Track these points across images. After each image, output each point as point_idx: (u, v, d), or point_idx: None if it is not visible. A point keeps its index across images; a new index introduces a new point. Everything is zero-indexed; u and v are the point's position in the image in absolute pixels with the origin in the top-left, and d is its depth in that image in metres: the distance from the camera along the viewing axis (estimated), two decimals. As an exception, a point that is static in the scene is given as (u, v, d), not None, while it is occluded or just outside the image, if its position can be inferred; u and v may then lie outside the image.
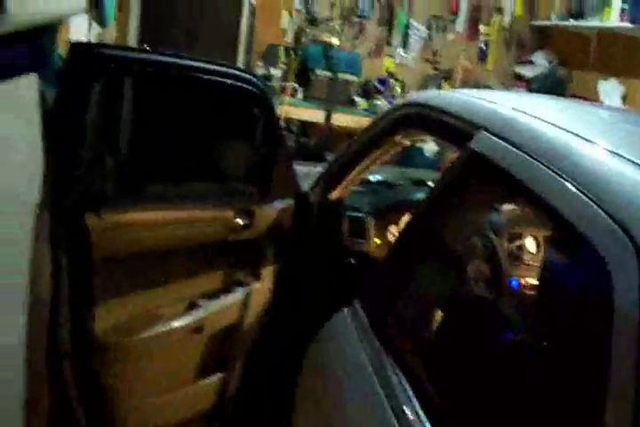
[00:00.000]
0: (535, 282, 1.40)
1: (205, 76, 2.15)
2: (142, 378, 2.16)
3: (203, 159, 2.28)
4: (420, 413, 1.25)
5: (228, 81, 2.20)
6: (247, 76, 2.29)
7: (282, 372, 2.42)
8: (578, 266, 1.10)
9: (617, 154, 1.15)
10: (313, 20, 6.22)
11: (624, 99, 5.63)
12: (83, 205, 1.90)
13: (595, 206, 1.02)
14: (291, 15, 6.18)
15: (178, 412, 2.33)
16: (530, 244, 1.40)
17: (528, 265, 1.54)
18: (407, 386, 1.33)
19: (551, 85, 6.27)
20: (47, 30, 2.45)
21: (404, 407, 1.28)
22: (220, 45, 5.94)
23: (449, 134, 1.77)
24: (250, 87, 2.25)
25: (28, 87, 1.94)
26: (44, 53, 2.48)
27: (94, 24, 3.98)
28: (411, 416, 1.25)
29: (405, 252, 1.64)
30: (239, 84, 2.22)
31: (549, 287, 1.22)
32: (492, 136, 1.45)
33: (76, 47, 1.92)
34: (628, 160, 1.11)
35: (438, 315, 1.50)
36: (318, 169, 2.77)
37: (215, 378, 2.39)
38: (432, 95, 2.22)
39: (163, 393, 2.24)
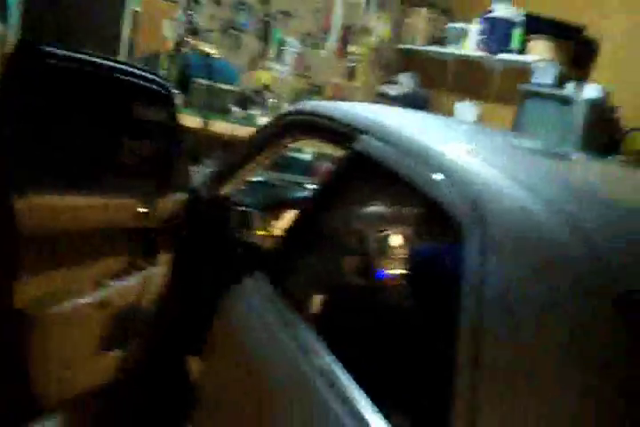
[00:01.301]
0: (406, 250, 1.74)
1: (121, 76, 2.39)
2: (54, 349, 2.35)
3: (113, 152, 2.51)
4: (325, 354, 1.52)
5: (140, 81, 2.44)
6: (156, 78, 2.54)
7: (182, 346, 2.68)
8: (442, 235, 1.46)
9: (471, 153, 1.51)
10: (193, 30, 6.42)
11: (478, 118, 6.17)
12: (10, 187, 2.11)
13: (455, 191, 1.36)
14: (172, 24, 6.34)
15: (83, 384, 2.53)
16: (403, 220, 1.73)
17: (403, 240, 1.88)
18: (313, 334, 1.61)
19: (414, 104, 6.72)
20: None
21: (313, 354, 1.55)
22: (101, 50, 6.02)
23: (334, 138, 2.08)
24: (158, 88, 2.50)
25: None
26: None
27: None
28: (318, 359, 1.52)
29: (300, 233, 1.95)
30: (149, 84, 2.47)
31: (419, 253, 1.59)
32: (372, 138, 1.78)
33: (22, 42, 2.14)
34: (479, 158, 1.47)
35: (333, 280, 1.83)
36: (195, 170, 3.05)
37: (116, 354, 2.61)
38: (318, 104, 2.54)
39: (71, 364, 2.44)
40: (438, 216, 1.38)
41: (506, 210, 1.26)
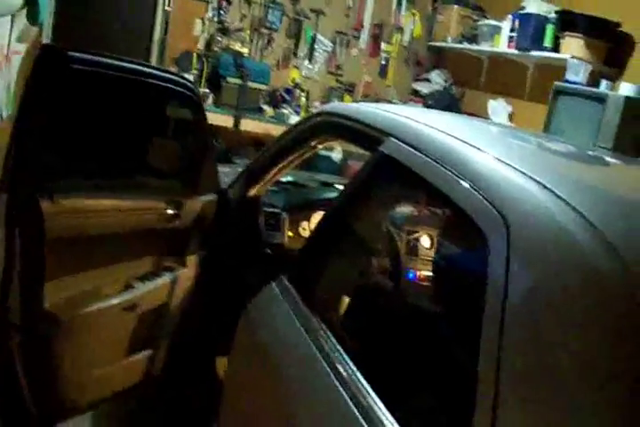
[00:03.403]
0: (432, 255, 1.73)
1: (148, 80, 2.40)
2: (84, 350, 2.37)
3: (141, 155, 2.53)
4: (352, 366, 1.50)
5: (168, 85, 2.46)
6: (184, 81, 2.55)
7: (208, 348, 2.69)
8: (467, 241, 1.44)
9: (497, 158, 1.48)
10: (224, 30, 6.44)
11: (510, 117, 6.11)
12: (38, 191, 2.13)
13: (479, 195, 1.35)
14: (203, 23, 6.38)
15: (113, 385, 2.55)
16: (429, 225, 1.72)
17: (429, 244, 1.86)
18: (338, 345, 1.60)
19: (446, 102, 6.70)
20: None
21: (338, 365, 1.53)
22: (134, 50, 6.08)
23: (362, 140, 2.07)
24: (186, 91, 2.51)
25: None
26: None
27: (19, 21, 4.11)
28: (344, 372, 1.50)
29: (325, 238, 1.94)
30: (177, 88, 2.49)
31: (444, 257, 1.57)
32: (399, 142, 1.76)
33: (47, 48, 2.16)
34: (507, 164, 1.44)
35: (356, 285, 1.83)
36: (226, 169, 3.05)
37: (145, 354, 2.63)
38: (346, 106, 2.54)
39: (101, 366, 2.46)
40: (464, 222, 1.37)
41: (532, 217, 1.24)
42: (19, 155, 2.07)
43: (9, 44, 3.91)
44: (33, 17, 3.60)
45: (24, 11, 3.69)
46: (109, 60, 2.31)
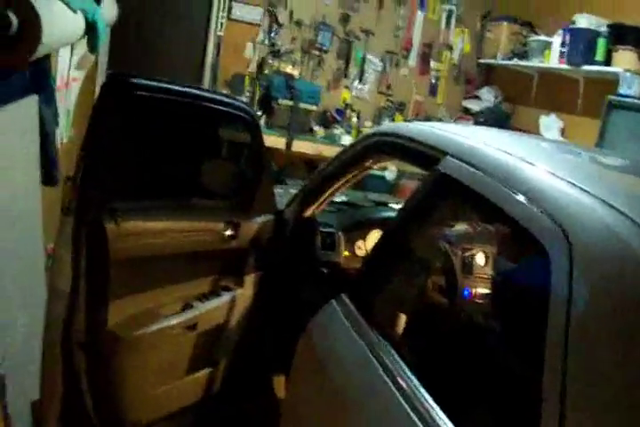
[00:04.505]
0: (493, 270, 1.74)
1: (208, 104, 2.46)
2: (145, 370, 2.42)
3: (199, 177, 2.59)
4: (415, 382, 1.52)
5: (226, 108, 2.51)
6: (242, 105, 2.61)
7: (266, 367, 2.72)
8: (527, 256, 1.45)
9: (554, 174, 1.49)
10: (275, 52, 6.54)
11: (562, 132, 6.06)
12: (102, 213, 2.19)
13: (539, 212, 1.36)
14: (254, 46, 6.48)
15: (172, 403, 2.59)
16: (489, 241, 1.73)
17: (490, 260, 1.87)
18: (400, 362, 1.62)
19: (496, 119, 6.66)
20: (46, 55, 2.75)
21: (400, 381, 1.55)
22: (187, 74, 6.22)
23: (418, 159, 2.10)
24: (244, 115, 2.57)
25: (29, 108, 2.24)
26: (43, 77, 2.77)
27: (78, 49, 4.23)
28: (407, 388, 1.52)
29: (386, 256, 1.96)
30: (235, 111, 2.54)
31: (504, 272, 1.58)
32: (456, 160, 1.78)
33: (112, 76, 2.24)
34: (562, 179, 1.45)
35: (418, 302, 1.84)
36: (279, 190, 3.10)
37: (204, 373, 2.67)
38: (400, 126, 2.56)
39: (161, 384, 2.51)
40: (524, 238, 1.38)
41: (591, 231, 1.25)
42: (85, 179, 2.14)
43: (69, 72, 4.03)
44: (92, 45, 3.70)
45: (83, 39, 3.79)
46: (171, 86, 2.37)
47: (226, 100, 2.57)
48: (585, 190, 1.37)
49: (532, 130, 5.97)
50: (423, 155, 2.01)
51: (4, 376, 1.80)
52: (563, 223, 1.29)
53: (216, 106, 2.50)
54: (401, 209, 2.06)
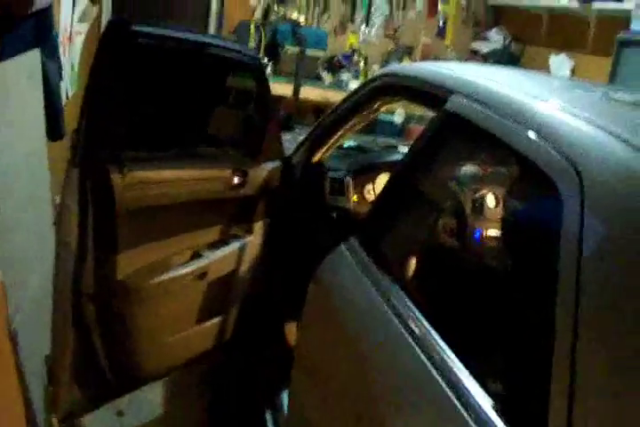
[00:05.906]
0: (503, 209, 1.71)
1: (213, 51, 2.42)
2: (156, 319, 2.43)
3: (205, 125, 2.55)
4: (425, 324, 1.51)
5: (230, 54, 2.46)
6: (249, 52, 2.56)
7: (277, 314, 2.72)
8: (538, 194, 1.42)
9: (565, 109, 1.45)
10: (280, -2, 6.43)
11: (573, 71, 5.96)
12: (108, 163, 2.17)
13: (551, 149, 1.32)
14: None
15: (185, 352, 2.61)
16: (500, 180, 1.70)
17: (500, 199, 1.84)
18: (411, 305, 1.61)
19: (505, 60, 6.57)
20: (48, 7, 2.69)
21: (408, 318, 1.55)
22: (192, 20, 6.14)
23: (425, 99, 2.05)
24: (250, 61, 2.52)
25: (32, 60, 2.20)
26: (45, 30, 2.71)
27: (80, 1, 4.17)
28: (418, 331, 1.51)
29: (394, 198, 1.94)
30: (241, 58, 2.49)
31: (516, 211, 1.56)
32: (464, 98, 1.74)
33: (113, 22, 2.19)
34: (574, 114, 1.41)
35: (429, 245, 1.83)
36: (288, 137, 3.06)
37: (216, 321, 2.67)
38: (407, 66, 2.51)
39: (174, 333, 2.52)
40: (534, 175, 1.35)
41: (604, 167, 1.22)
42: (89, 130, 2.11)
43: (71, 25, 3.97)
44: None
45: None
46: (174, 33, 2.32)
47: (230, 46, 2.52)
48: (598, 126, 1.33)
49: (542, 70, 5.87)
50: (430, 95, 1.97)
51: (17, 332, 1.81)
52: (575, 160, 1.25)
53: (221, 53, 2.45)
54: (409, 150, 2.03)
